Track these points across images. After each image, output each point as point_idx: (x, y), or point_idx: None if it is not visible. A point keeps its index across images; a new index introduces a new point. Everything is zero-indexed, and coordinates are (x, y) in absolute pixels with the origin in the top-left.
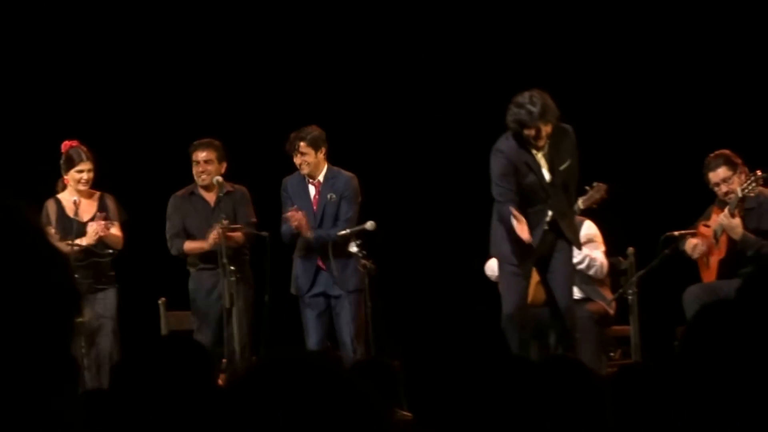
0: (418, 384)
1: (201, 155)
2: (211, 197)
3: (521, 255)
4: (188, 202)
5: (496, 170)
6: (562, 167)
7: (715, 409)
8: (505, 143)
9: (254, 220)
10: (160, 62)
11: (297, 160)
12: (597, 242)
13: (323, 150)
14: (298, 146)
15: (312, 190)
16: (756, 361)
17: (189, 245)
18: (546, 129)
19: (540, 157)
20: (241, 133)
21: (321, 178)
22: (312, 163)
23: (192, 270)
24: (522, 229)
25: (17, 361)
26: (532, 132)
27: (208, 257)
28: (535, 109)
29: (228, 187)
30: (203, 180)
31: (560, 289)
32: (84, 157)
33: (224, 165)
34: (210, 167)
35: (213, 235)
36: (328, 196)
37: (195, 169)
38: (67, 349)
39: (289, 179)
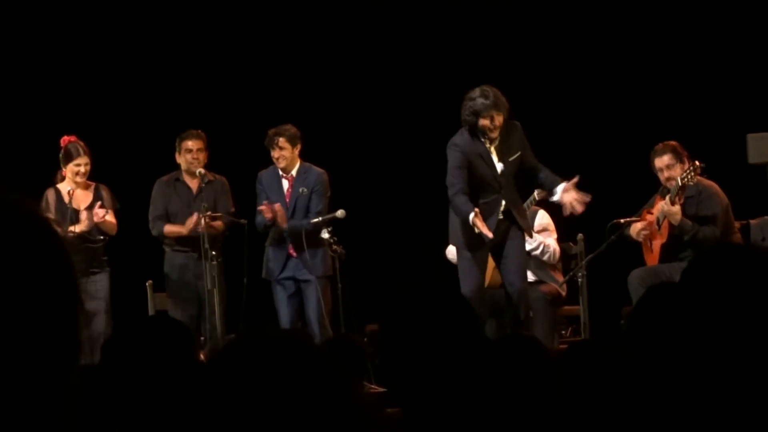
0: (386, 360)
1: (193, 144)
2: (194, 184)
3: (477, 242)
4: (172, 188)
5: (451, 162)
6: (512, 158)
7: (660, 383)
8: (460, 137)
9: (233, 209)
10: (147, 66)
11: (275, 154)
12: (550, 230)
13: (298, 147)
14: (278, 141)
15: (285, 183)
16: (697, 336)
17: (169, 228)
18: (499, 119)
19: (492, 150)
20: (220, 128)
21: (294, 172)
22: (288, 157)
23: (167, 250)
24: (483, 228)
25: (24, 340)
26: (487, 122)
27: (183, 240)
28: (488, 100)
29: (209, 176)
30: (195, 166)
31: (513, 274)
32: (81, 151)
33: (207, 154)
34: (201, 155)
35: (191, 222)
36: (300, 190)
37: (186, 157)
38: (73, 331)
39: (263, 173)
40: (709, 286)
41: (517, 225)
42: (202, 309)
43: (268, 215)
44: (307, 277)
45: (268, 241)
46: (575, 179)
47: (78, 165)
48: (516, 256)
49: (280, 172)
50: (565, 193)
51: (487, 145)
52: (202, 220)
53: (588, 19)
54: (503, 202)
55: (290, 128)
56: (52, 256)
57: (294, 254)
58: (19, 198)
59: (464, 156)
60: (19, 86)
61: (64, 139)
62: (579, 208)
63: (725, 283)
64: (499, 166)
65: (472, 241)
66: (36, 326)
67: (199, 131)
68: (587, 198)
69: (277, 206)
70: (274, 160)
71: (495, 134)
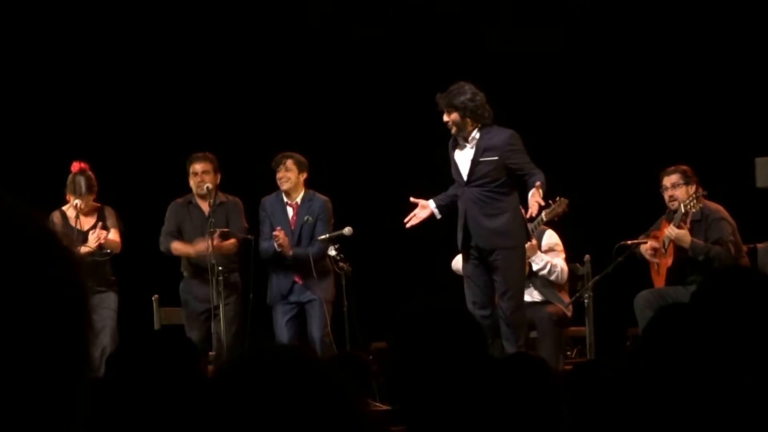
0: (393, 378)
1: (199, 167)
2: (206, 206)
3: (465, 256)
4: (185, 210)
5: None
6: (486, 159)
7: (668, 403)
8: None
9: (246, 226)
10: (156, 87)
11: (280, 174)
12: (558, 250)
13: (305, 174)
14: (285, 163)
15: (290, 211)
16: (707, 357)
17: (177, 245)
18: (450, 116)
19: (465, 152)
20: (227, 151)
21: (299, 200)
22: (293, 181)
23: (185, 274)
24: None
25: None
26: (443, 117)
27: (201, 269)
28: (443, 93)
29: (222, 197)
30: (202, 189)
31: (500, 297)
32: (84, 189)
33: (218, 176)
34: (207, 177)
35: (200, 246)
36: (306, 218)
37: (193, 180)
38: (83, 345)
39: (266, 199)
40: (720, 309)
41: (498, 243)
42: (210, 330)
43: (280, 241)
44: (311, 298)
45: (272, 267)
46: (537, 183)
47: (77, 201)
48: (500, 281)
49: (284, 199)
50: (531, 197)
51: (462, 146)
52: (211, 242)
53: (596, 42)
54: (464, 209)
55: (299, 155)
56: (62, 271)
57: (299, 281)
58: (30, 211)
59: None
60: (27, 105)
61: (75, 166)
62: (533, 210)
63: (736, 306)
64: (465, 164)
65: (463, 256)
66: (45, 340)
67: (206, 153)
68: (541, 202)
69: (282, 233)
70: (279, 181)
71: (453, 131)
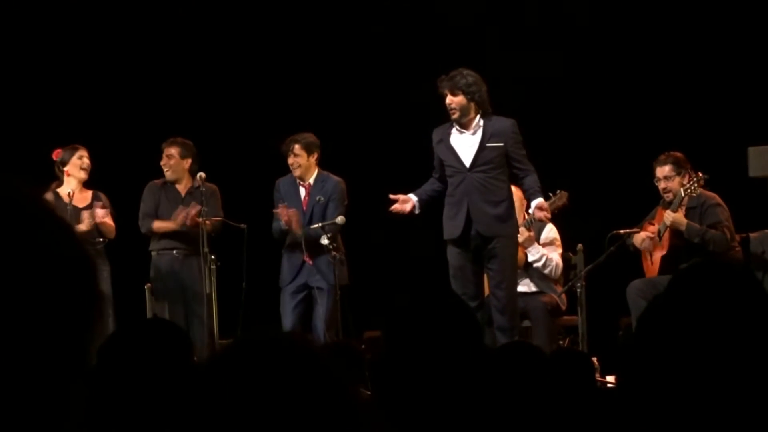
0: (385, 366)
1: (166, 151)
2: (182, 188)
3: (452, 248)
4: (162, 191)
5: None
6: (492, 144)
7: (663, 396)
8: (440, 126)
9: (222, 215)
10: (146, 71)
11: (290, 160)
12: (556, 245)
13: (315, 155)
14: (293, 148)
15: (302, 191)
16: (702, 347)
17: (158, 224)
18: (454, 99)
19: (465, 137)
20: (231, 135)
21: (311, 181)
22: (303, 165)
23: (153, 254)
24: (400, 203)
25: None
26: (445, 101)
27: (170, 239)
28: (444, 79)
29: (197, 182)
30: (166, 173)
31: (495, 286)
32: (78, 147)
33: (188, 161)
34: (171, 162)
35: (178, 213)
36: (317, 198)
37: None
38: (88, 338)
39: (281, 181)
40: (688, 304)
41: (499, 232)
42: (188, 312)
43: (285, 218)
44: (320, 285)
45: (284, 248)
46: (538, 202)
47: (81, 157)
48: (496, 270)
49: (297, 180)
50: (537, 210)
51: (460, 133)
52: (191, 213)
53: (589, 32)
54: (466, 201)
55: (308, 136)
56: (74, 261)
57: (309, 261)
58: (28, 188)
59: (434, 143)
60: (8, 97)
61: (57, 152)
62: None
63: (703, 302)
64: (469, 150)
65: (449, 248)
66: (53, 331)
67: (177, 138)
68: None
69: (292, 211)
70: (290, 167)
71: (455, 115)
